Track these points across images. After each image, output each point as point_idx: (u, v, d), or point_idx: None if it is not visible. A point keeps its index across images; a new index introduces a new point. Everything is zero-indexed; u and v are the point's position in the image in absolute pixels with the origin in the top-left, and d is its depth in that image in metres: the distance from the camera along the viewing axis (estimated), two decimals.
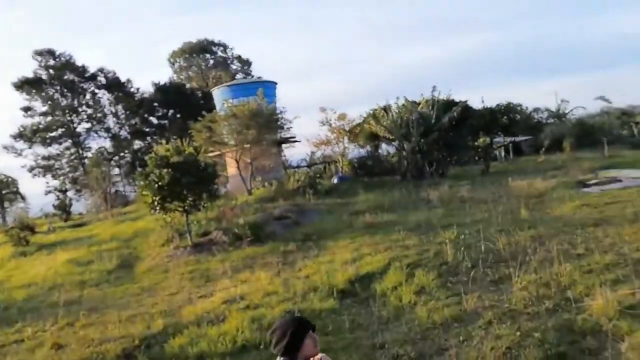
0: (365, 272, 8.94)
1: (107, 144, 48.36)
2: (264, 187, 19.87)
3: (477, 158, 27.55)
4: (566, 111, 48.84)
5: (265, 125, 19.78)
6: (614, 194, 13.28)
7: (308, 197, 18.17)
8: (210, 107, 24.64)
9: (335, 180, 25.12)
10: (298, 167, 33.99)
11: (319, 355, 2.56)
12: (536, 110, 51.96)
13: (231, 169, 22.64)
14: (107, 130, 48.44)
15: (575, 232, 9.92)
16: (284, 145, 29.83)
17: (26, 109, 45.20)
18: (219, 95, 24.30)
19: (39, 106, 45.54)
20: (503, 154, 30.86)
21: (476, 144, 27.98)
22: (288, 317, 3.29)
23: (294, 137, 25.87)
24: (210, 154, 21.52)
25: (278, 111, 21.77)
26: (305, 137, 30.62)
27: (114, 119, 48.88)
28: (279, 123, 21.24)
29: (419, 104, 23.65)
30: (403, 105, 23.45)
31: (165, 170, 12.15)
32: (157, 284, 11.23)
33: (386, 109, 23.75)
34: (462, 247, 9.35)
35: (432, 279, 8.09)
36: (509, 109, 23.66)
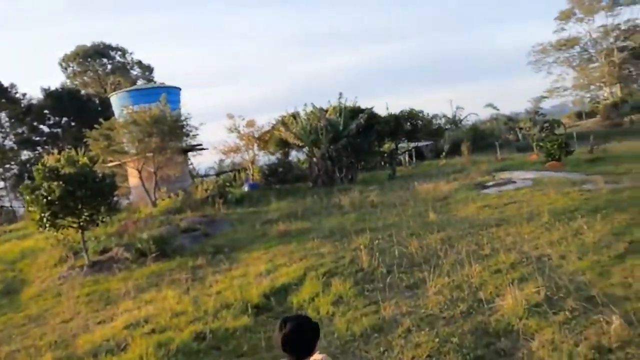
0: (281, 284, 8.60)
1: None
2: (170, 198, 18.77)
3: (383, 163, 28.47)
4: (461, 117, 52.48)
5: (169, 133, 18.73)
6: (510, 194, 14.18)
7: (218, 206, 17.46)
8: (109, 115, 22.92)
9: (245, 188, 24.51)
10: (206, 175, 32.84)
11: (321, 356, 2.57)
12: (435, 116, 55.23)
13: (133, 180, 21.20)
14: None
15: (480, 233, 10.37)
16: (190, 154, 28.66)
17: None
18: (118, 101, 22.68)
19: None
20: (407, 158, 32.17)
21: (382, 149, 28.97)
22: (303, 316, 3.00)
23: (201, 145, 24.89)
24: (110, 164, 20.01)
25: (183, 118, 20.76)
26: (214, 144, 29.67)
27: None
28: (184, 130, 20.24)
29: (327, 111, 23.86)
30: (311, 112, 23.51)
31: (55, 183, 10.89)
32: (47, 310, 9.98)
33: (295, 116, 23.69)
34: (376, 253, 9.36)
35: (348, 288, 7.95)
36: (412, 116, 24.71)
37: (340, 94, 23.93)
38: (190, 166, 30.68)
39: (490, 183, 17.02)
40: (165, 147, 18.69)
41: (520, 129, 49.27)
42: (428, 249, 9.55)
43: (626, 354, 4.88)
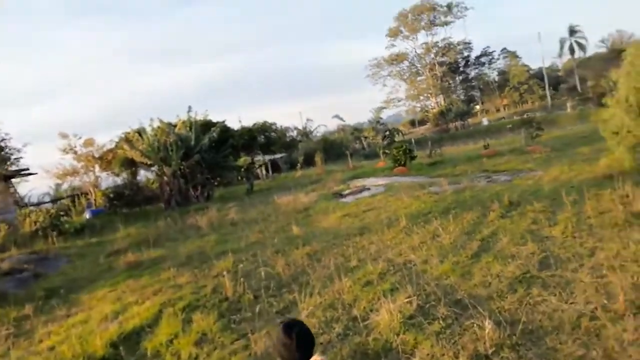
0: (132, 327, 7.33)
1: None
2: None
3: (240, 177, 27.73)
4: (312, 129, 54.11)
5: None
6: (367, 201, 14.51)
7: (51, 240, 14.98)
8: None
9: (87, 216, 21.76)
10: (40, 203, 28.55)
11: (320, 358, 2.57)
12: (287, 129, 56.19)
13: None
14: None
15: (345, 244, 10.24)
16: (14, 180, 24.61)
17: None
18: None
19: None
20: (264, 172, 31.86)
21: (238, 163, 28.22)
22: (300, 320, 2.85)
23: (27, 169, 21.44)
24: None
25: None
26: (46, 168, 25.93)
27: None
28: (1, 154, 17.11)
29: (176, 125, 22.36)
30: (159, 127, 21.81)
31: None
32: None
33: (140, 132, 21.76)
34: (241, 278, 8.58)
35: (213, 322, 7.05)
36: (265, 128, 24.45)
37: (190, 107, 22.66)
38: (17, 195, 26.36)
39: (347, 191, 17.36)
40: None
41: (365, 137, 52.48)
42: (295, 266, 9.08)
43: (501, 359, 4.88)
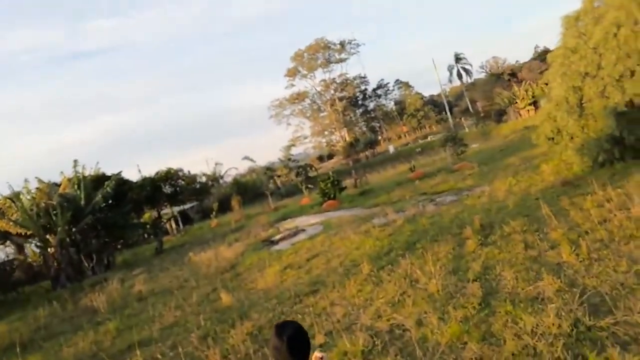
0: None
1: None
2: None
3: (147, 235, 24.01)
4: (222, 173, 50.93)
5: None
6: (307, 246, 12.07)
7: None
8: None
9: None
10: None
11: (320, 355, 2.55)
12: (194, 176, 52.45)
13: None
14: None
15: (297, 310, 7.67)
16: None
17: None
18: None
19: None
20: (174, 225, 28.19)
21: (142, 220, 24.51)
22: (296, 322, 2.55)
23: None
24: None
25: None
26: None
27: None
28: None
29: (60, 185, 18.51)
30: (37, 189, 17.84)
31: None
32: None
33: (13, 199, 17.58)
34: None
35: None
36: (170, 176, 21.25)
37: (76, 161, 18.88)
38: None
39: (278, 236, 14.80)
40: None
41: (279, 176, 50.38)
42: (238, 358, 6.32)
43: None
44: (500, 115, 46.68)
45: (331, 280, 8.58)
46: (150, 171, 23.08)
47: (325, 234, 12.92)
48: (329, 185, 19.01)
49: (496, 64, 78.04)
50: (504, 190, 12.84)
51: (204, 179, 49.45)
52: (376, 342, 5.79)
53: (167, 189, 20.65)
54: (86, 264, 16.44)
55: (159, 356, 7.00)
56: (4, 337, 10.38)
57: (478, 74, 76.57)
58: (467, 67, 73.60)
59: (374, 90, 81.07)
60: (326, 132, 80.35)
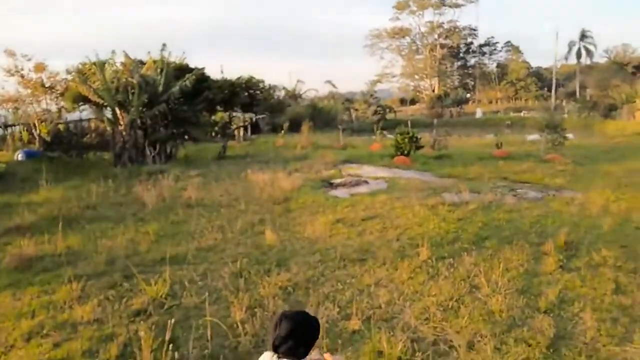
0: None
1: None
2: None
3: (215, 134, 24.00)
4: (301, 92, 50.23)
5: None
6: (366, 202, 11.25)
7: None
8: None
9: (19, 157, 17.92)
10: None
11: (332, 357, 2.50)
12: (274, 88, 52.07)
13: None
14: None
15: (338, 277, 7.02)
16: None
17: None
18: None
19: None
20: (242, 132, 28.10)
21: (214, 119, 24.48)
22: (303, 313, 2.50)
23: None
24: None
25: None
26: None
27: None
28: None
29: (145, 64, 18.43)
30: (122, 63, 17.84)
31: None
32: None
33: (100, 66, 17.66)
34: (172, 329, 5.28)
35: None
36: (250, 85, 20.65)
37: (164, 45, 18.61)
38: None
39: (339, 180, 14.05)
40: None
41: (356, 110, 49.01)
42: (262, 318, 5.80)
43: None
44: (609, 110, 41.98)
45: (382, 255, 7.80)
46: (232, 74, 22.47)
47: (388, 194, 12.01)
48: (406, 140, 17.76)
49: (624, 52, 69.75)
50: (600, 205, 11.19)
51: (282, 93, 49.16)
52: (417, 351, 5.05)
53: (244, 97, 20.14)
54: (149, 151, 16.58)
55: (187, 283, 6.65)
56: (58, 203, 10.61)
57: (599, 58, 68.78)
58: (590, 47, 66.08)
59: (480, 46, 75.47)
60: (416, 76, 76.72)
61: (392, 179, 14.15)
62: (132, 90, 16.58)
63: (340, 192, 12.58)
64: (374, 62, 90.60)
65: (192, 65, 19.97)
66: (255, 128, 35.58)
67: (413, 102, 73.84)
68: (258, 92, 20.61)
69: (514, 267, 7.24)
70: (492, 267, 7.09)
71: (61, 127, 16.57)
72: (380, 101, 53.12)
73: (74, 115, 23.51)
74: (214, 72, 22.72)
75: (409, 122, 35.17)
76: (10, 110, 23.88)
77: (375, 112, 46.60)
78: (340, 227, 9.49)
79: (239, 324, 5.47)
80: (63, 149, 16.35)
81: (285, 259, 7.73)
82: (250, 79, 20.83)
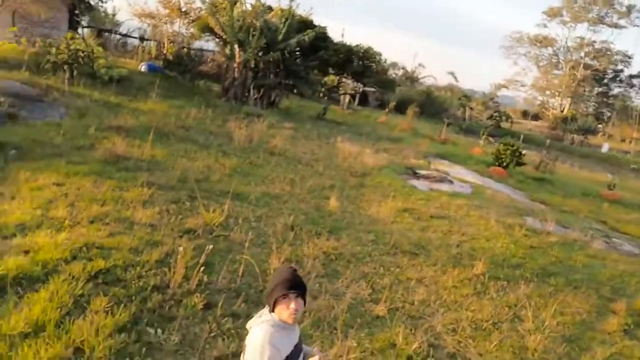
0: (20, 269, 4.54)
1: None
2: (21, 44, 13.44)
3: (322, 95, 24.28)
4: (419, 76, 48.89)
5: None
6: (442, 201, 10.88)
7: (74, 81, 12.49)
8: None
9: (142, 68, 19.47)
10: (105, 31, 26.48)
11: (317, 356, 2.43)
12: (393, 65, 51.16)
13: None
14: None
15: (383, 263, 6.92)
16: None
17: None
18: None
19: None
20: (347, 100, 28.15)
21: (325, 80, 24.70)
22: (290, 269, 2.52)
23: None
24: None
25: None
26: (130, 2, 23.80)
27: None
28: None
29: (271, 10, 18.92)
30: (252, 5, 18.46)
31: None
32: None
33: (231, 2, 18.38)
34: (212, 256, 5.57)
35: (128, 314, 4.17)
36: (367, 55, 20.43)
37: None
38: (82, 17, 24.14)
39: (423, 172, 13.67)
40: None
41: (471, 108, 46.91)
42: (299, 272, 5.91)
43: None
44: None
45: (437, 255, 7.55)
46: (353, 41, 22.23)
47: (468, 200, 11.49)
48: (508, 152, 16.73)
49: None
50: None
51: (400, 72, 48.23)
52: (431, 357, 4.91)
53: (357, 65, 20.02)
54: (253, 93, 17.21)
55: (240, 220, 6.93)
56: (159, 116, 11.46)
57: None
58: None
59: (630, 76, 67.82)
60: (548, 92, 71.32)
61: (480, 187, 13.49)
62: (254, 33, 17.14)
63: (419, 184, 12.26)
64: (505, 65, 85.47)
65: (315, 23, 20.15)
66: (364, 101, 35.45)
67: (536, 117, 68.99)
68: (372, 64, 20.36)
69: (570, 313, 6.67)
70: (546, 305, 6.60)
71: (184, 51, 17.66)
72: (499, 107, 50.33)
73: (199, 43, 24.96)
74: (335, 35, 22.79)
75: (521, 136, 33.14)
76: (149, 25, 25.85)
77: (491, 117, 44.31)
78: (405, 216, 9.30)
79: (271, 270, 5.63)
80: (180, 71, 17.48)
81: (339, 228, 7.77)
82: (369, 49, 20.62)
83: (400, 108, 29.28)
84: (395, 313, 5.57)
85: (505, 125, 46.04)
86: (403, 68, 49.65)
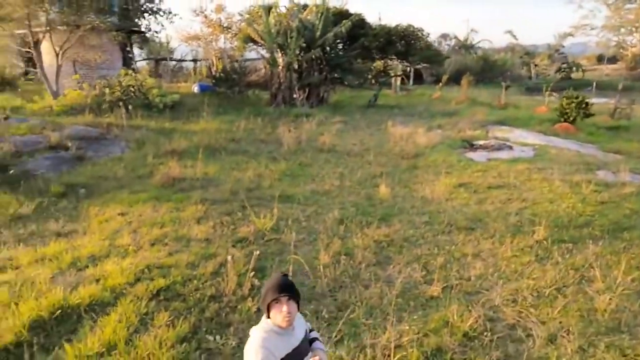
0: (79, 300, 5.09)
1: None
2: (80, 90, 14.69)
3: (375, 82, 24.04)
4: (474, 42, 46.93)
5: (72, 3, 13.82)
6: (500, 169, 10.50)
7: (131, 114, 13.45)
8: None
9: (195, 89, 20.42)
10: (160, 59, 27.99)
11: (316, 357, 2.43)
12: (444, 36, 49.52)
13: (48, 57, 16.73)
14: None
15: (437, 243, 6.86)
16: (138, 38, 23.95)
17: None
18: None
19: None
20: (398, 82, 27.71)
21: (373, 66, 24.49)
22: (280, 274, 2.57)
23: (146, 29, 20.19)
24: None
25: None
26: (177, 29, 25.06)
27: None
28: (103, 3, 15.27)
29: (305, 8, 19.07)
30: (286, 8, 18.74)
31: None
32: None
33: (266, 9, 18.80)
34: (258, 259, 5.86)
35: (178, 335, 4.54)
36: (408, 33, 19.96)
37: None
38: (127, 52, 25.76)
39: (481, 142, 13.23)
40: (78, 22, 14.17)
41: (536, 65, 44.36)
42: (347, 264, 6.04)
43: None
44: None
45: (494, 227, 7.34)
46: (396, 20, 21.86)
47: (530, 163, 10.99)
48: (573, 105, 15.69)
49: None
50: None
51: (452, 42, 46.59)
52: (487, 331, 4.83)
53: (400, 46, 19.63)
54: (298, 94, 17.48)
55: (290, 221, 7.16)
56: (211, 133, 12.03)
57: None
58: None
59: None
60: (623, 30, 65.53)
61: (543, 147, 12.83)
62: (291, 34, 17.41)
63: (476, 155, 11.89)
64: (569, 11, 79.61)
65: (352, 11, 20.05)
66: (420, 79, 34.70)
67: (613, 60, 63.70)
68: (413, 41, 19.87)
69: None
70: (619, 262, 6.21)
71: (228, 65, 18.35)
72: (566, 57, 47.13)
73: (249, 55, 25.72)
74: (373, 18, 22.49)
75: (593, 85, 30.86)
76: (200, 46, 27.02)
77: (559, 70, 41.61)
78: (461, 191, 9.10)
79: (321, 267, 5.80)
80: (228, 86, 18.12)
81: (391, 215, 7.78)
82: (408, 27, 20.15)
83: (457, 79, 28.33)
84: (450, 291, 5.53)
85: (576, 75, 43.04)
86: (455, 37, 47.95)
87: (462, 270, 6.09)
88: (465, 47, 45.67)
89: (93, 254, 6.09)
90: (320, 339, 2.77)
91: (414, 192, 9.04)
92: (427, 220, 7.66)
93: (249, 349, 2.35)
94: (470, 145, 12.86)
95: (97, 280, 5.44)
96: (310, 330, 2.74)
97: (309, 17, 18.37)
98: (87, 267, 5.79)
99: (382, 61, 21.35)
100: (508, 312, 5.20)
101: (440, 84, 25.52)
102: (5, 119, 11.28)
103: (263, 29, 17.52)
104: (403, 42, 19.37)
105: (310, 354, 2.53)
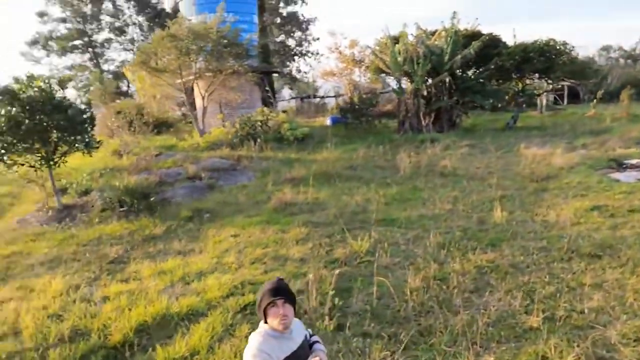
0: (177, 309, 5.60)
1: (130, 56, 45.40)
2: (223, 127, 16.39)
3: (512, 103, 22.47)
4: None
5: (218, 51, 15.61)
6: None
7: (260, 147, 14.56)
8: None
9: (328, 123, 21.33)
10: (303, 98, 29.90)
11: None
12: (606, 48, 44.48)
13: (197, 101, 19.07)
14: (132, 42, 45.34)
15: (551, 270, 6.09)
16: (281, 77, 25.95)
17: (41, 15, 42.75)
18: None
19: (57, 11, 42.99)
20: (544, 102, 25.49)
21: (513, 86, 22.99)
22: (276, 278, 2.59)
23: (278, 68, 21.82)
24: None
25: (247, 35, 17.61)
26: (315, 67, 26.78)
27: (138, 30, 45.52)
28: (242, 49, 16.90)
29: (434, 34, 18.85)
30: (412, 35, 18.76)
31: (15, 108, 8.93)
32: None
33: (392, 39, 19.04)
34: (351, 281, 5.82)
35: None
36: (549, 48, 18.33)
37: (455, 13, 18.52)
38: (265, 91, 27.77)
39: (633, 161, 11.48)
40: (220, 68, 15.98)
41: None
42: (439, 290, 5.68)
43: None
44: None
45: (627, 254, 6.28)
46: (524, 35, 20.17)
47: None
48: None
49: None
50: None
51: (616, 54, 41.61)
52: None
53: (538, 62, 18.09)
54: (424, 119, 17.13)
55: (386, 244, 7.01)
56: (330, 162, 12.43)
57: None
58: None
59: None
60: None
61: None
62: (418, 61, 17.29)
63: (624, 176, 10.34)
64: None
65: (485, 31, 19.23)
66: (576, 97, 31.66)
67: None
68: (554, 56, 18.17)
69: None
70: None
71: (356, 96, 18.84)
72: None
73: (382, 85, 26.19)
74: (506, 37, 21.22)
75: None
76: (340, 81, 28.33)
77: None
78: (593, 215, 7.98)
79: (409, 291, 5.55)
80: (354, 116, 18.51)
81: (502, 240, 7.14)
82: (548, 41, 18.55)
83: (620, 95, 25.09)
84: (555, 324, 4.86)
85: None
86: (619, 48, 42.87)
87: (574, 301, 5.31)
88: (633, 58, 40.47)
89: (201, 270, 6.68)
90: (320, 341, 2.69)
91: (535, 217, 8.18)
92: (543, 245, 6.87)
93: (246, 353, 2.38)
94: (619, 165, 11.25)
95: (198, 293, 5.95)
96: (311, 335, 2.69)
97: (436, 42, 18.09)
98: (194, 281, 6.36)
99: (521, 80, 19.90)
100: (626, 352, 4.38)
101: (595, 100, 22.85)
102: (157, 155, 13.11)
103: (390, 59, 17.73)
104: (542, 59, 17.88)
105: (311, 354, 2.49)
